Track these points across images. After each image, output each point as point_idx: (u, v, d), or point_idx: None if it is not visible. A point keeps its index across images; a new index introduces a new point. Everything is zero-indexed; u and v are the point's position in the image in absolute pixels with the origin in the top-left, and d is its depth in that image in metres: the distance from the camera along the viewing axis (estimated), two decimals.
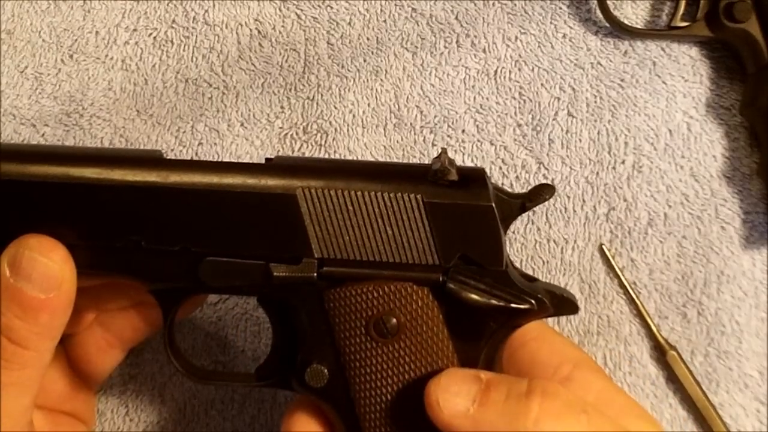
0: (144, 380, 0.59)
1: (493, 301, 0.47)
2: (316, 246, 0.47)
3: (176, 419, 0.59)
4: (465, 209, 0.47)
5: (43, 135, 0.60)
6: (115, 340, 0.55)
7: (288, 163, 0.49)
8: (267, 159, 0.49)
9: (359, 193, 0.47)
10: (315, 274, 0.47)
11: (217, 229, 0.47)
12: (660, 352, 0.58)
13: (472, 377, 0.46)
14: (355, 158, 0.59)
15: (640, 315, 0.58)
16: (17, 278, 0.46)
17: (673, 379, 0.58)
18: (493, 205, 0.47)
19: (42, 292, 0.46)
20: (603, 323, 0.59)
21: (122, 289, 0.53)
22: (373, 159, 0.59)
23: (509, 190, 0.50)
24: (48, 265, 0.46)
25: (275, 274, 0.47)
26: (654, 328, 0.58)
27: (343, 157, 0.59)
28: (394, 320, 0.47)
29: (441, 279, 0.47)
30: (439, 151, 0.49)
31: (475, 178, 0.47)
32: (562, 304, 0.49)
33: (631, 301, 0.59)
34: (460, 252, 0.47)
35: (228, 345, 0.59)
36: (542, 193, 0.48)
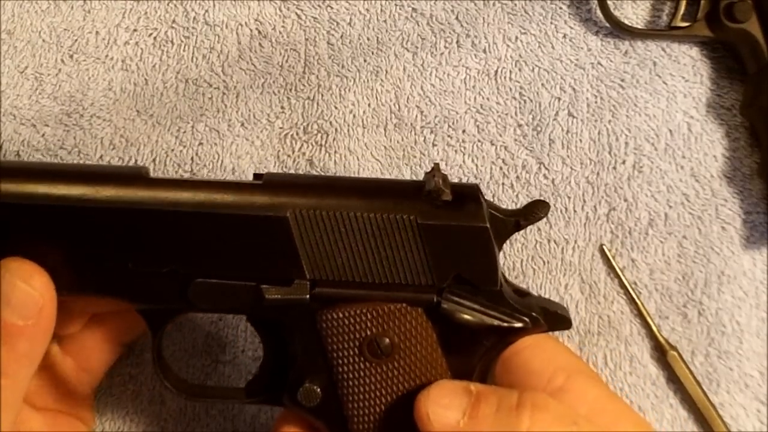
0: (144, 380, 0.59)
1: (487, 321, 0.46)
2: (307, 267, 0.46)
3: (177, 419, 0.59)
4: (460, 230, 0.46)
5: (43, 135, 0.60)
6: (111, 337, 0.55)
7: (278, 181, 0.48)
8: (256, 175, 0.49)
9: (351, 214, 0.46)
10: (307, 296, 0.46)
11: (207, 251, 0.46)
12: (660, 352, 0.58)
13: (463, 390, 0.45)
14: (355, 159, 0.59)
15: (640, 315, 0.58)
16: None
17: (673, 379, 0.58)
18: (488, 225, 0.46)
19: (21, 319, 0.45)
20: (603, 323, 0.58)
21: None
22: (372, 159, 0.59)
23: (504, 207, 0.49)
24: (27, 291, 0.45)
25: (267, 296, 0.46)
26: (654, 329, 0.58)
27: (343, 158, 0.59)
28: (388, 341, 0.47)
29: (435, 299, 0.46)
30: (432, 165, 0.48)
31: (469, 197, 0.47)
32: (555, 320, 0.49)
33: (632, 302, 0.58)
34: (455, 272, 0.47)
35: (228, 345, 0.59)
36: (537, 210, 0.48)
